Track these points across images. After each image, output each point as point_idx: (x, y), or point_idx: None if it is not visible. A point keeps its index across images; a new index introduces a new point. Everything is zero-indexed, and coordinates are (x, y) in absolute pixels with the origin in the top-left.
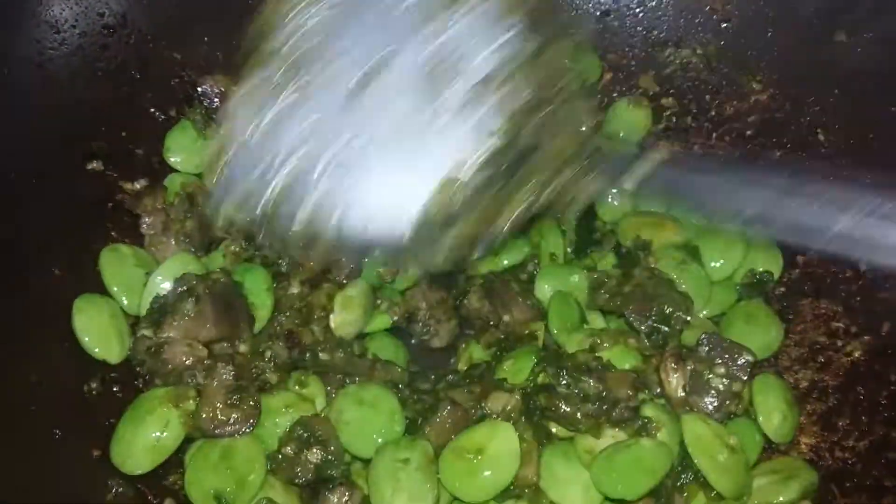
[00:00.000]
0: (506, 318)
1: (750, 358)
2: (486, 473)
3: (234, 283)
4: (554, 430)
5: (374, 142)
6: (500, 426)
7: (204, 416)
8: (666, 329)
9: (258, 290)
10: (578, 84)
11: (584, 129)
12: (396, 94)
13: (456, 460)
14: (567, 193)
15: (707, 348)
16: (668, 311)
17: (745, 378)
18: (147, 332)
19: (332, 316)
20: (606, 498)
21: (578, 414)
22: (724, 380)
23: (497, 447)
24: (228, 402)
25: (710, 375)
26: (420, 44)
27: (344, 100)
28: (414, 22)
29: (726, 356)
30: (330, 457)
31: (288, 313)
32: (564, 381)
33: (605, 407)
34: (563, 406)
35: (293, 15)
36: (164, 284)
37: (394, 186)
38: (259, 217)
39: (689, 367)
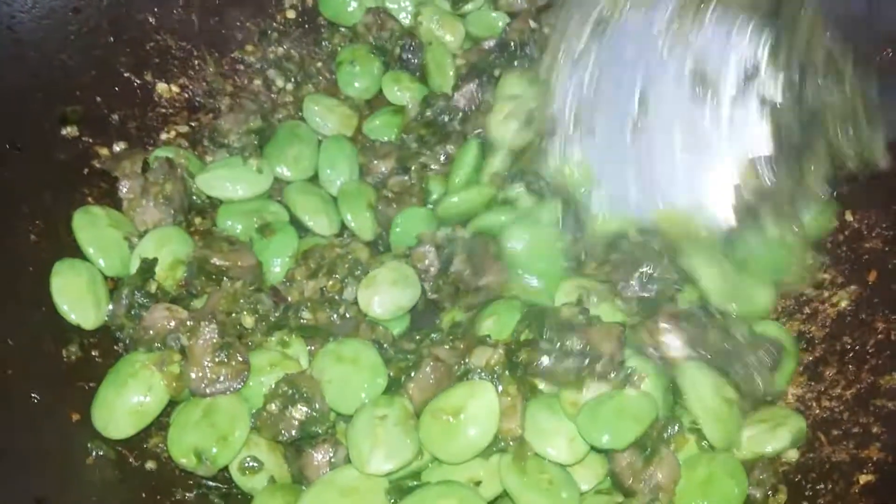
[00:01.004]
0: (482, 282)
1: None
2: (465, 434)
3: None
4: (540, 385)
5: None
6: (479, 386)
7: (193, 375)
8: (653, 293)
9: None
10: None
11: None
12: (675, 107)
13: (434, 422)
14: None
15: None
16: (655, 275)
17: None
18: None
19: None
20: (593, 448)
21: (561, 369)
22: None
23: (475, 407)
24: (216, 359)
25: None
26: (679, 59)
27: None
28: (667, 44)
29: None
30: (315, 414)
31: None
32: (547, 337)
33: (587, 361)
34: (546, 362)
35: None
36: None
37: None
38: None
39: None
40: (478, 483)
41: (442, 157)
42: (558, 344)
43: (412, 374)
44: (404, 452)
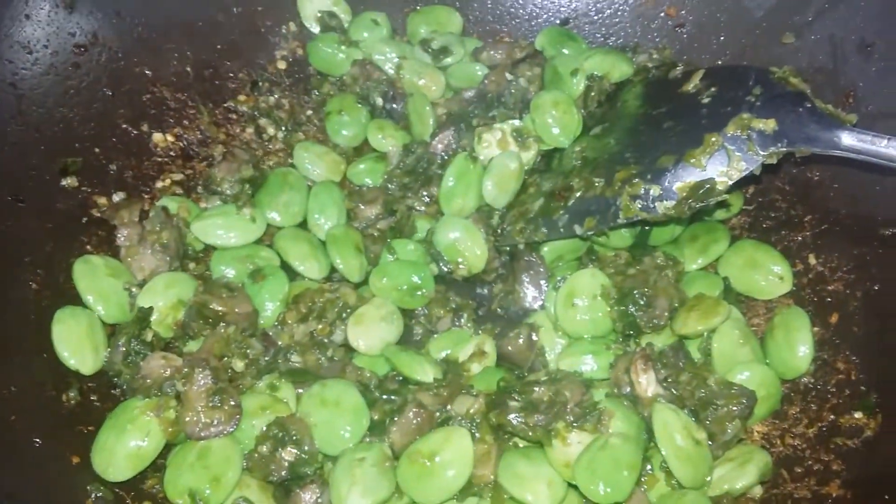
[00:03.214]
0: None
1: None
2: (439, 477)
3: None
4: (520, 444)
5: None
6: (455, 432)
7: (188, 419)
8: (641, 318)
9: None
10: None
11: None
12: None
13: (411, 465)
14: None
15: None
16: (654, 300)
17: None
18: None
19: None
20: (590, 500)
21: (531, 423)
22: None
23: (450, 452)
24: (210, 404)
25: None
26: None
27: None
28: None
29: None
30: (304, 455)
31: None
32: (516, 396)
33: (555, 410)
34: (515, 420)
35: None
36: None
37: None
38: None
39: (657, 370)
40: None
41: (426, 199)
42: (525, 400)
43: (395, 419)
44: (380, 491)
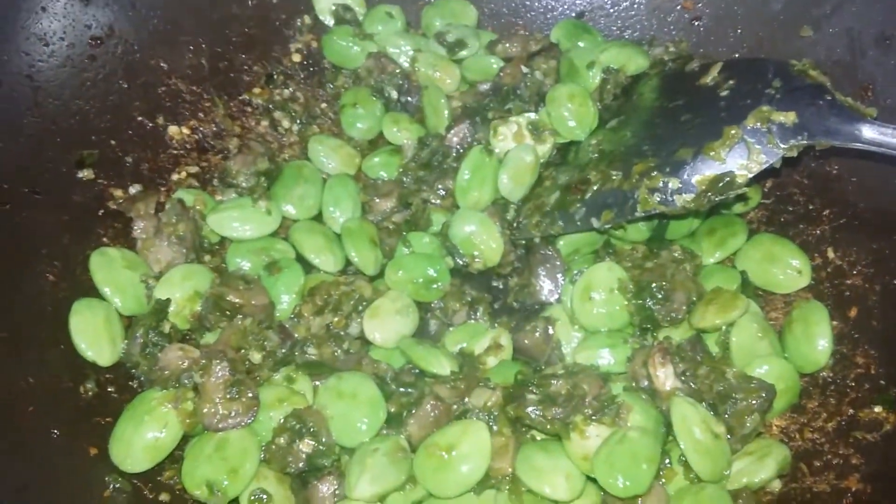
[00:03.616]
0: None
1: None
2: (457, 470)
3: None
4: (537, 437)
5: None
6: (473, 425)
7: (206, 411)
8: (659, 312)
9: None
10: None
11: None
12: None
13: (428, 457)
14: None
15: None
16: (671, 294)
17: None
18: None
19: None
20: (610, 493)
21: (549, 416)
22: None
23: (468, 445)
24: (228, 396)
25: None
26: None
27: None
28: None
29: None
30: (321, 447)
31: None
32: (533, 389)
33: (573, 403)
34: (533, 413)
35: None
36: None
37: None
38: None
39: (675, 364)
40: None
41: (441, 192)
42: (542, 393)
43: (412, 411)
44: (389, 479)
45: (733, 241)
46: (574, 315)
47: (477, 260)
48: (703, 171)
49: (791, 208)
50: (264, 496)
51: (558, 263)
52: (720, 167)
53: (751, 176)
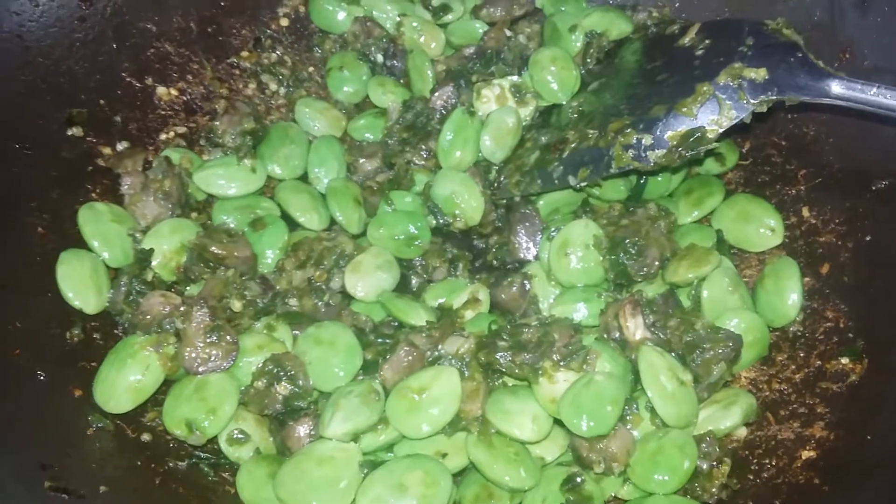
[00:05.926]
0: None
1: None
2: (427, 412)
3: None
4: (509, 382)
5: None
6: (445, 370)
7: (186, 355)
8: (633, 267)
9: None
10: None
11: None
12: None
13: (400, 399)
14: None
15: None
16: (645, 250)
17: None
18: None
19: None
20: (574, 434)
21: (518, 362)
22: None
23: (439, 388)
24: (208, 340)
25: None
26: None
27: None
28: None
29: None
30: (298, 390)
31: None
32: (505, 337)
33: (542, 350)
34: (502, 358)
35: None
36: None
37: None
38: None
39: (646, 315)
40: (444, 456)
41: (424, 153)
42: (513, 341)
43: (387, 357)
44: (361, 418)
45: (710, 201)
46: (550, 270)
47: (458, 219)
48: (675, 128)
49: (768, 168)
50: (242, 436)
51: (537, 222)
52: (691, 123)
53: (721, 131)
